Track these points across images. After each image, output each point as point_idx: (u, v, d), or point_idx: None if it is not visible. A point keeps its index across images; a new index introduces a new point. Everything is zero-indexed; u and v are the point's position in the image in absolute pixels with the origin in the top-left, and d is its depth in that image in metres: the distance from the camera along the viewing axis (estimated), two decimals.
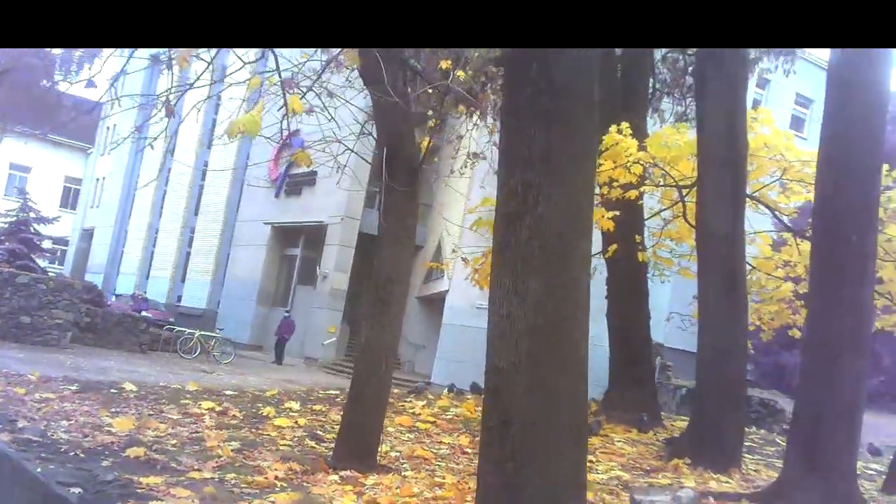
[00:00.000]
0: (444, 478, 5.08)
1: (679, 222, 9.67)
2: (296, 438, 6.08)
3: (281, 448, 5.64)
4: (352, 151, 7.47)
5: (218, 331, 24.89)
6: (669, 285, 13.88)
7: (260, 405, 7.57)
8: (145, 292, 32.07)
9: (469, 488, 4.81)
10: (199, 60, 7.40)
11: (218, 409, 7.08)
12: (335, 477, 4.89)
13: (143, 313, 24.53)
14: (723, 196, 6.90)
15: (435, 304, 26.10)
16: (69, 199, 48.62)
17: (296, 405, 7.59)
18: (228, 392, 8.39)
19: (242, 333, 28.31)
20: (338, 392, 8.98)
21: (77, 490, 3.91)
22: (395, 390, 11.60)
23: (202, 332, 23.52)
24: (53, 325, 18.41)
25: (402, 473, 5.19)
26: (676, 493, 4.18)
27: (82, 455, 4.75)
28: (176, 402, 7.27)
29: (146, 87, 26.23)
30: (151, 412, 6.65)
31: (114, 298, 28.85)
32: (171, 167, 38.06)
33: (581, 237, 3.30)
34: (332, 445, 5.89)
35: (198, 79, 7.53)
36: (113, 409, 6.52)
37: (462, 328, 22.82)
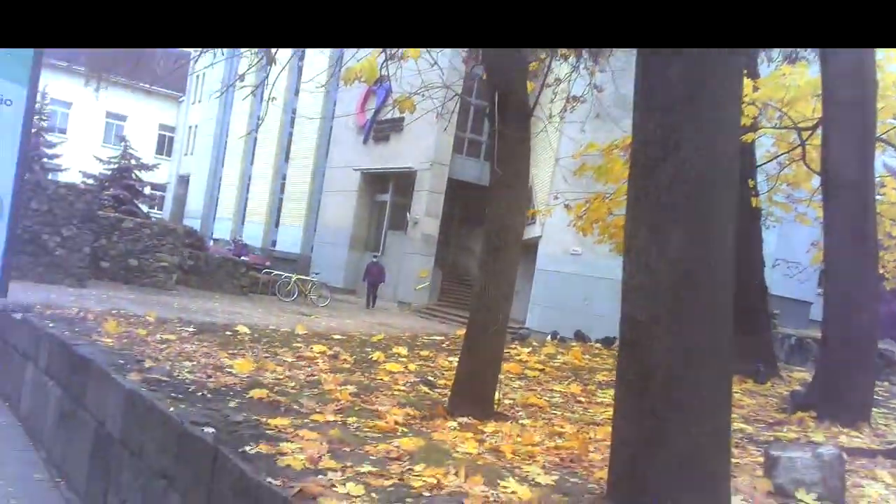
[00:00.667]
0: (562, 427, 5.01)
1: (796, 166, 9.22)
2: (408, 384, 6.10)
3: (396, 393, 5.66)
4: (459, 95, 7.34)
5: (314, 275, 25.49)
6: (775, 231, 13.38)
7: (368, 350, 7.65)
8: (242, 238, 32.92)
9: (591, 438, 4.73)
10: None
11: (329, 352, 7.18)
12: (453, 423, 4.87)
13: (243, 259, 25.27)
14: (851, 139, 6.46)
15: (526, 249, 25.89)
16: (164, 146, 50.22)
17: (404, 350, 7.63)
18: (336, 336, 8.51)
19: (336, 277, 28.89)
20: (442, 338, 9.01)
21: (210, 430, 3.99)
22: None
23: (299, 276, 24.10)
24: (159, 268, 19.17)
25: (520, 421, 5.14)
26: (817, 449, 3.97)
27: (209, 395, 4.86)
28: (288, 345, 7.41)
29: None
30: (267, 355, 6.78)
31: (212, 243, 29.73)
32: (262, 115, 38.73)
33: (726, 183, 3.10)
34: (446, 392, 5.89)
35: None
36: (230, 351, 6.68)
37: (556, 274, 22.66)
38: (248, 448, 3.72)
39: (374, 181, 30.73)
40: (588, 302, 20.56)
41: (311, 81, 26.73)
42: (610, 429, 4.79)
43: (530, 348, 9.09)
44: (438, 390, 6.01)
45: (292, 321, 14.18)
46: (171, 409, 4.38)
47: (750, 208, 8.91)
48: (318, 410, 4.79)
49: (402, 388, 5.94)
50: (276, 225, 37.53)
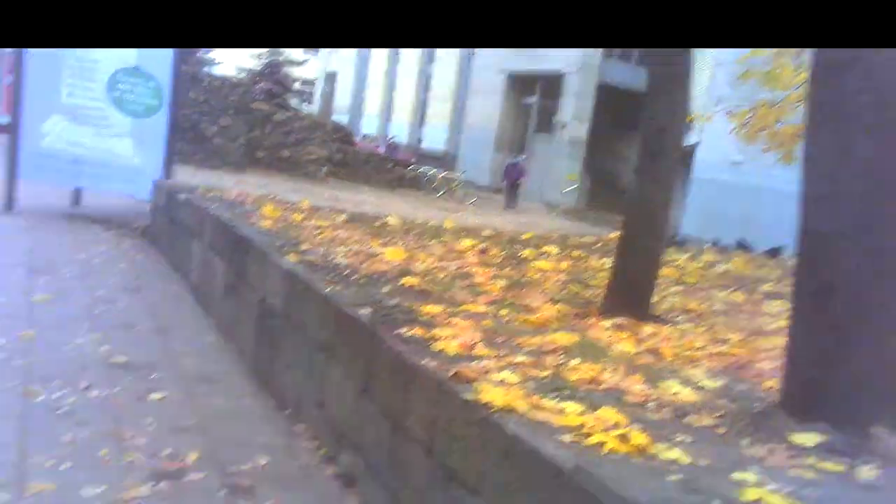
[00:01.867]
0: (727, 334, 4.73)
1: None
2: (560, 282, 5.94)
3: (547, 290, 5.52)
4: None
5: (461, 172, 25.53)
6: None
7: (518, 247, 7.52)
8: (395, 138, 32.96)
9: (758, 348, 4.43)
10: None
11: (478, 247, 7.10)
12: (607, 323, 4.69)
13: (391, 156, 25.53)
14: None
15: (682, 157, 24.75)
16: None
17: (554, 249, 7.45)
18: (485, 232, 8.43)
19: (482, 177, 28.83)
20: (594, 239, 8.76)
21: (367, 311, 4.00)
22: None
23: (445, 174, 24.23)
24: (310, 160, 19.74)
25: (679, 326, 4.89)
26: None
27: (362, 280, 4.89)
28: (437, 238, 7.39)
29: None
30: (417, 246, 6.79)
31: (360, 138, 30.20)
32: None
33: None
34: (598, 292, 5.70)
35: None
36: (382, 241, 6.72)
37: (715, 182, 21.66)
38: (403, 330, 3.70)
39: (521, 83, 30.05)
40: (750, 213, 19.46)
41: None
42: (780, 340, 4.49)
43: (688, 254, 8.69)
44: (592, 290, 5.82)
45: (439, 216, 14.28)
46: (328, 289, 4.42)
47: None
48: (470, 301, 4.73)
49: (554, 286, 5.79)
50: (422, 124, 37.69)
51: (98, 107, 9.29)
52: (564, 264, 6.76)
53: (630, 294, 5.07)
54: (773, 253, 9.78)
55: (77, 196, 10.25)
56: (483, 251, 6.99)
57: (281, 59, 30.95)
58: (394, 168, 23.16)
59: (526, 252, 7.11)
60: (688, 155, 23.87)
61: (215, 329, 6.18)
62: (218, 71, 28.93)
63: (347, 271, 5.07)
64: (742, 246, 11.08)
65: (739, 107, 10.55)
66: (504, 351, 3.60)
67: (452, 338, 3.69)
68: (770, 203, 20.11)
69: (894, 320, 2.81)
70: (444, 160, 31.65)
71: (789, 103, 8.91)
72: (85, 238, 8.52)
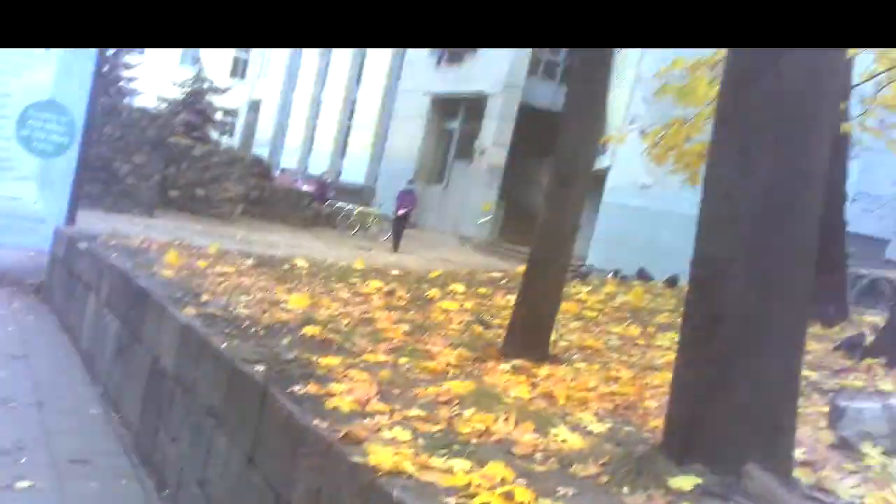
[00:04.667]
0: (618, 371, 4.87)
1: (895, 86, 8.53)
2: (463, 323, 6.02)
3: (450, 333, 5.58)
4: None
5: (377, 207, 25.53)
6: (859, 161, 12.68)
7: (425, 286, 7.58)
8: (324, 174, 32.00)
9: (647, 384, 4.58)
10: None
11: (385, 288, 7.13)
12: (506, 366, 4.77)
13: (307, 189, 25.22)
14: None
15: (596, 181, 25.32)
16: (238, 69, 49.89)
17: (461, 287, 7.54)
18: (393, 272, 8.47)
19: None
20: (501, 275, 8.89)
21: (261, 368, 3.98)
22: None
23: (361, 209, 24.20)
24: (225, 199, 19.47)
25: (574, 365, 5.02)
26: (887, 400, 3.75)
27: (262, 332, 4.86)
28: (345, 281, 7.39)
29: None
30: (323, 290, 6.78)
31: (279, 173, 29.90)
32: None
33: (824, 106, 2.82)
34: (501, 332, 5.79)
35: None
36: (287, 286, 6.69)
37: (624, 208, 22.10)
38: (297, 388, 3.70)
39: (444, 107, 30.24)
40: (654, 239, 20.00)
41: None
42: (669, 375, 4.65)
43: (590, 287, 8.91)
44: (494, 330, 5.91)
45: (352, 256, 14.25)
46: (224, 344, 4.38)
47: (838, 135, 8.34)
48: (370, 350, 4.75)
49: (457, 327, 5.86)
50: (343, 154, 37.55)
51: (4, 147, 8.83)
52: (469, 304, 6.85)
53: (530, 334, 5.16)
54: (672, 282, 10.07)
55: None
56: (389, 293, 7.02)
57: (205, 86, 30.35)
58: (310, 204, 23.01)
59: (432, 292, 7.18)
60: (599, 179, 24.38)
61: (101, 399, 5.95)
62: (139, 102, 28.19)
63: (247, 323, 5.04)
64: (642, 276, 11.39)
65: (653, 126, 10.65)
66: (399, 404, 3.63)
67: (347, 393, 3.71)
68: (674, 228, 20.64)
69: (778, 351, 2.84)
70: (363, 194, 31.62)
71: (701, 120, 8.93)
72: None
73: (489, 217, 26.78)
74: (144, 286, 5.74)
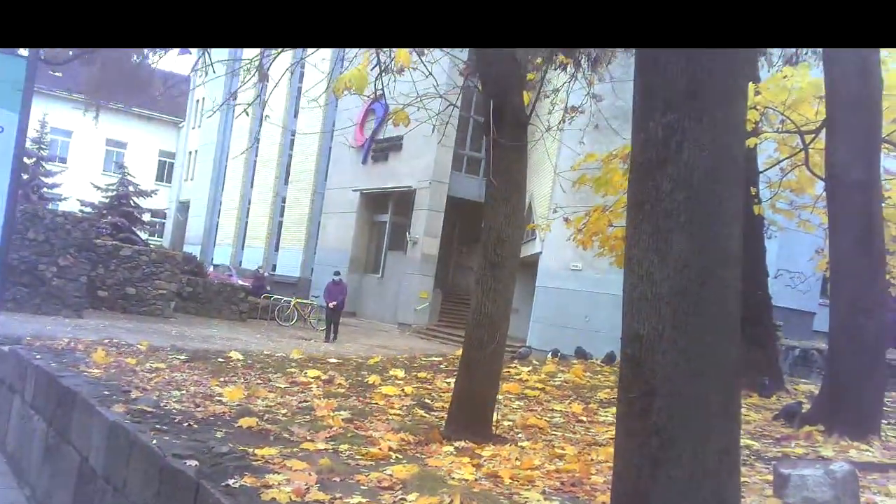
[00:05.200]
0: (563, 448, 4.82)
1: (799, 171, 9.07)
2: (405, 407, 5.92)
3: (391, 418, 5.48)
4: (454, 106, 7.21)
5: (313, 298, 25.29)
6: (776, 241, 13.23)
7: (365, 373, 7.46)
8: (259, 268, 31.67)
9: (592, 460, 4.55)
10: None
11: (324, 377, 7.00)
12: (450, 448, 4.69)
13: (242, 285, 24.84)
14: (856, 139, 6.30)
15: (526, 267, 25.71)
16: (164, 172, 50.17)
17: (400, 373, 7.45)
18: (332, 360, 8.33)
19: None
20: (440, 359, 8.83)
21: (193, 463, 3.81)
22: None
23: (298, 300, 23.92)
24: (157, 296, 19.01)
25: (519, 444, 4.96)
26: (828, 466, 3.79)
27: (195, 426, 4.69)
28: (282, 371, 7.22)
29: (233, 53, 26.12)
30: (260, 381, 6.61)
31: (211, 269, 29.44)
32: (261, 137, 38.71)
33: (732, 185, 2.92)
34: (443, 415, 5.71)
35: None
36: (222, 379, 6.51)
37: (557, 291, 22.43)
38: (231, 481, 3.54)
39: (374, 201, 30.63)
40: (589, 319, 20.31)
41: (307, 95, 26.61)
42: (612, 449, 4.62)
43: (530, 367, 8.90)
44: (435, 413, 5.83)
45: (290, 346, 13.98)
46: (155, 441, 4.20)
47: (752, 216, 8.74)
48: (308, 438, 4.62)
49: (398, 412, 5.75)
50: (277, 248, 37.40)
51: None
52: (409, 388, 6.75)
53: (471, 414, 5.10)
54: (610, 359, 10.15)
55: None
56: (328, 381, 6.89)
57: (129, 189, 30.10)
58: (246, 298, 22.64)
59: (372, 378, 7.07)
60: (532, 265, 24.77)
61: (28, 503, 5.61)
62: (63, 207, 27.79)
63: (179, 418, 4.85)
64: (581, 354, 11.49)
65: (576, 213, 11.05)
66: (340, 492, 3.52)
67: (286, 483, 3.57)
68: (607, 308, 20.96)
69: (713, 422, 2.83)
70: (299, 285, 31.37)
71: (620, 207, 9.29)
72: None
73: (426, 304, 26.81)
74: (70, 385, 5.51)
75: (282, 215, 37.33)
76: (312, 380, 6.86)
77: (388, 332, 25.60)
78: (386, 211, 30.23)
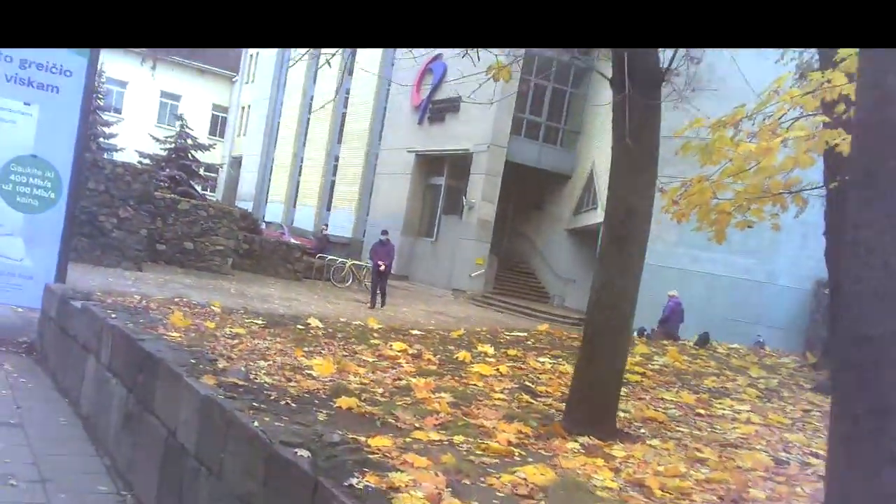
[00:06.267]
0: (699, 451, 4.30)
1: None
2: (507, 391, 5.44)
3: (497, 403, 5.00)
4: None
5: (368, 260, 24.97)
6: None
7: (452, 348, 7.01)
8: (325, 228, 30.88)
9: (740, 467, 4.02)
10: None
11: (410, 351, 6.56)
12: (575, 445, 4.21)
13: (297, 244, 24.54)
14: None
15: (586, 236, 25.18)
16: (217, 126, 50.22)
17: (489, 349, 6.97)
18: (414, 332, 7.89)
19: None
20: (525, 334, 8.34)
21: (305, 454, 3.37)
22: (563, 328, 10.87)
23: (354, 262, 23.61)
24: (215, 252, 18.82)
25: (647, 442, 4.45)
26: None
27: (293, 405, 4.28)
28: (365, 342, 6.80)
29: None
30: (345, 353, 6.19)
31: (264, 226, 29.30)
32: (314, 94, 38.30)
33: None
34: (549, 401, 5.25)
35: None
36: (306, 349, 6.09)
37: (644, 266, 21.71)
38: (354, 480, 3.09)
39: (429, 164, 30.09)
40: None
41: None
42: (760, 456, 4.08)
43: None
44: (541, 399, 5.34)
45: (350, 309, 13.67)
46: (255, 422, 3.77)
47: None
48: (417, 426, 4.18)
49: (502, 396, 5.28)
50: (328, 209, 37.16)
51: None
52: (504, 367, 6.27)
53: (594, 408, 4.61)
54: (703, 341, 9.55)
55: None
56: (416, 356, 6.44)
57: (188, 142, 29.98)
58: (301, 257, 22.39)
59: (462, 354, 6.60)
60: (590, 233, 24.11)
61: (109, 474, 5.24)
62: (120, 157, 27.81)
63: (273, 394, 4.43)
64: (668, 334, 10.88)
65: (670, 183, 10.36)
66: (477, 499, 3.06)
67: (413, 486, 3.12)
68: (699, 286, 20.21)
69: None
70: (351, 246, 31.09)
71: (726, 177, 8.66)
72: None
73: (482, 270, 26.35)
74: (152, 351, 5.11)
75: (334, 174, 37.03)
76: (399, 353, 6.42)
77: (442, 297, 25.23)
78: (441, 174, 29.69)
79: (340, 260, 23.67)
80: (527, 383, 5.81)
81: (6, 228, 8.20)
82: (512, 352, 7.12)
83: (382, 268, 17.96)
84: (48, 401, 6.65)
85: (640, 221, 4.73)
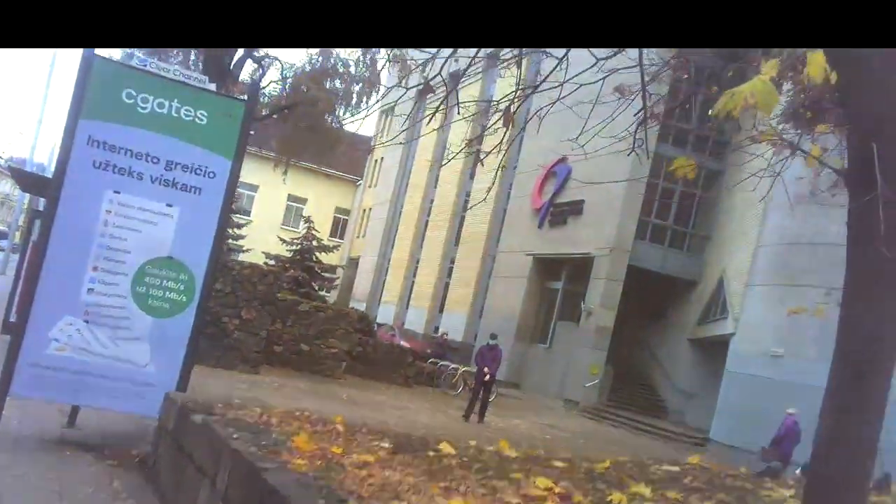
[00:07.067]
0: None
1: None
2: None
3: None
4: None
5: (473, 364, 24.25)
6: None
7: (602, 486, 6.14)
8: (445, 333, 29.47)
9: None
10: (549, 57, 6.37)
11: (556, 489, 5.73)
12: None
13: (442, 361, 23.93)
14: None
15: (712, 347, 23.75)
16: (338, 229, 51.67)
17: (645, 490, 6.06)
18: (556, 463, 7.06)
19: (499, 369, 27.52)
20: (677, 469, 7.37)
21: None
22: (684, 447, 9.42)
23: (465, 368, 22.94)
24: (329, 355, 18.54)
25: None
26: None
27: None
28: (504, 476, 6.03)
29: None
30: (484, 490, 5.44)
31: (376, 327, 29.17)
32: (434, 199, 38.68)
33: None
34: None
35: (544, 80, 6.42)
36: (442, 485, 5.37)
37: (751, 378, 20.24)
38: None
39: (547, 267, 29.49)
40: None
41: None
42: None
43: (791, 490, 7.18)
44: None
45: (488, 433, 12.98)
46: None
47: None
48: None
49: None
50: (441, 310, 36.85)
51: (119, 305, 7.86)
52: None
53: None
54: (881, 485, 8.11)
55: (74, 414, 8.30)
56: (565, 497, 5.61)
57: (314, 244, 30.50)
58: (413, 362, 21.90)
59: (614, 497, 5.72)
60: (719, 346, 22.66)
61: None
62: (245, 258, 28.50)
63: None
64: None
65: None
66: None
67: None
68: (810, 402, 18.33)
69: None
70: (461, 350, 30.40)
71: None
72: (70, 478, 6.89)
73: (597, 380, 25.17)
74: (277, 485, 4.53)
75: (449, 276, 36.90)
76: (546, 493, 5.60)
77: (553, 408, 24.13)
78: (559, 278, 28.99)
79: (452, 366, 23.04)
80: None
81: (134, 332, 7.90)
82: (672, 494, 6.18)
83: (487, 376, 16.82)
84: None
85: (889, 352, 3.81)
